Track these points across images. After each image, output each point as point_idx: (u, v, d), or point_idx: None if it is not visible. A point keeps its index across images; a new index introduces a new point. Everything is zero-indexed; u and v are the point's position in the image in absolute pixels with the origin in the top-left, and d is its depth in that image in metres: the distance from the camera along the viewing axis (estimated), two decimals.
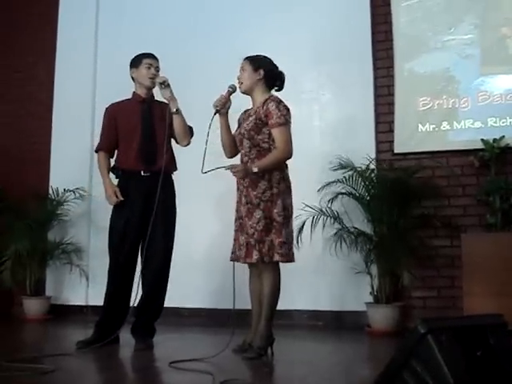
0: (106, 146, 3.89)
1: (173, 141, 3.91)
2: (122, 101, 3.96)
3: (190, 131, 3.87)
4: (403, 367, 1.68)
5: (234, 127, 3.63)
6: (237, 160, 3.59)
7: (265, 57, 3.52)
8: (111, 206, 3.83)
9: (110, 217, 3.84)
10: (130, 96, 3.95)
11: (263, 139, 3.39)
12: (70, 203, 5.55)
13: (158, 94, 3.87)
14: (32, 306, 5.47)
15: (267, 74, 3.47)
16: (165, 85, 3.72)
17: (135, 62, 3.89)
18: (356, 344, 4.17)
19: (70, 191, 5.50)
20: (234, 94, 3.54)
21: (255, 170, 3.27)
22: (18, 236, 5.45)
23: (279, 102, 3.40)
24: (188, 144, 3.88)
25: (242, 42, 5.21)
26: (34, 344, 4.27)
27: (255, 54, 3.51)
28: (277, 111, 3.34)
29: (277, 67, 3.54)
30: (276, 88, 3.55)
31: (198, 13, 5.60)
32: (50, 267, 5.67)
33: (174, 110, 3.74)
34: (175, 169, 3.90)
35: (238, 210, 3.47)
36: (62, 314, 5.48)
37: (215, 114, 3.46)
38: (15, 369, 2.82)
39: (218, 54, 5.31)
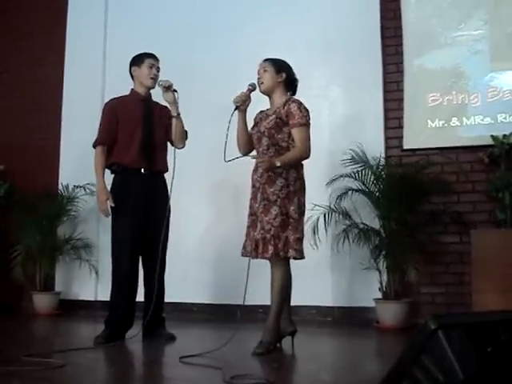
0: (107, 139, 3.84)
1: None
2: (121, 97, 3.98)
3: (185, 135, 3.95)
4: (413, 363, 1.67)
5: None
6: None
7: (284, 61, 3.59)
8: None
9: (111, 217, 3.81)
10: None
11: (283, 138, 3.46)
12: (79, 199, 5.57)
13: (156, 95, 3.92)
14: (42, 301, 5.51)
15: (288, 77, 3.55)
16: (170, 89, 3.77)
17: (137, 61, 3.93)
18: (365, 340, 4.18)
19: (80, 187, 5.51)
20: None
21: (278, 164, 3.32)
22: (28, 232, 5.51)
23: (300, 103, 3.49)
24: (183, 147, 3.95)
25: (250, 37, 5.23)
26: (43, 339, 4.30)
27: (275, 57, 3.58)
28: (298, 112, 3.42)
29: (294, 73, 3.61)
30: (290, 92, 3.61)
31: (208, 9, 5.59)
32: (59, 263, 5.70)
33: (176, 114, 3.83)
34: (168, 170, 3.93)
35: (251, 207, 3.52)
36: (71, 309, 5.51)
37: (235, 109, 3.50)
38: (26, 363, 2.84)
39: (227, 49, 5.33)
